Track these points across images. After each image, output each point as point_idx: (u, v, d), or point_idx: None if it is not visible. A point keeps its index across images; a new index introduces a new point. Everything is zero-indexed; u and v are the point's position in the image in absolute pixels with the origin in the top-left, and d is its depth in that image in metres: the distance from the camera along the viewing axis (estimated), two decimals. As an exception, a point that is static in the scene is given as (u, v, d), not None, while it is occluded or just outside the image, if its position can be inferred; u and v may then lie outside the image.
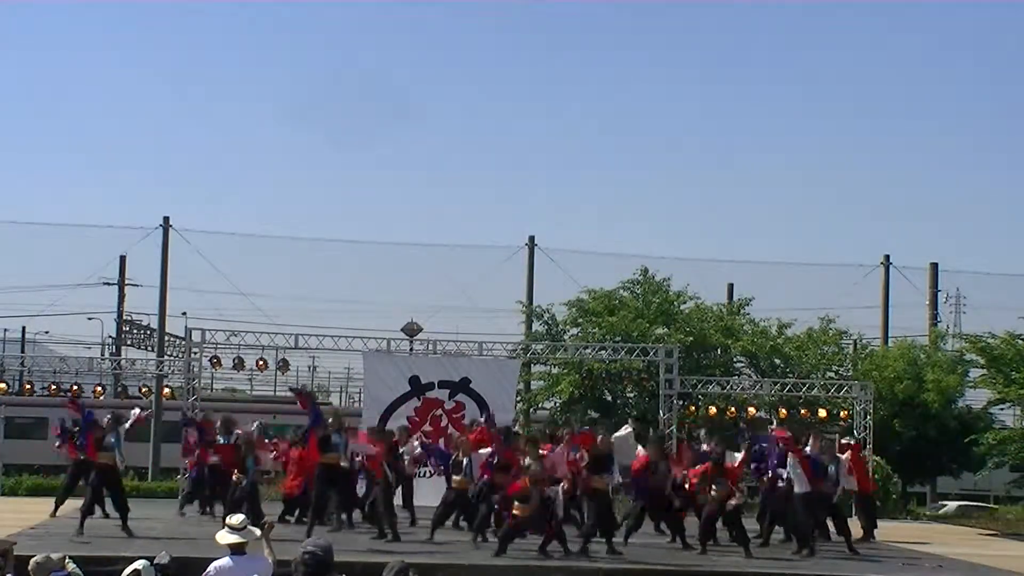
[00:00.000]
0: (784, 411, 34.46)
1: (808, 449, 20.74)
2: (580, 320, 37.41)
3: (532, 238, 41.05)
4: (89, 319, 58.24)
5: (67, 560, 10.91)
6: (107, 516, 23.38)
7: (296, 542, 9.27)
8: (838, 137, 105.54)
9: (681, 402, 31.98)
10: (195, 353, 30.26)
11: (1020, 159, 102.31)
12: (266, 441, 24.33)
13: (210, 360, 30.51)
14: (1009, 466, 38.12)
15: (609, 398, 37.18)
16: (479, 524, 19.80)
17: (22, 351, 54.07)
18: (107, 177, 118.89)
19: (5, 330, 62.60)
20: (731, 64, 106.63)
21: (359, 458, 21.49)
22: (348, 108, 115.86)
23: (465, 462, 20.35)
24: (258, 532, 10.40)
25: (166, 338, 41.70)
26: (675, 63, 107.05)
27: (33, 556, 10.91)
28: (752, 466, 21.92)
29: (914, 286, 43.35)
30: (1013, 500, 42.90)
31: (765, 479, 21.86)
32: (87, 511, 21.25)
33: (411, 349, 31.88)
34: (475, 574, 17.00)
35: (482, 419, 24.47)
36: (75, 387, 38.36)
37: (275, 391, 62.45)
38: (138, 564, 10.60)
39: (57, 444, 25.88)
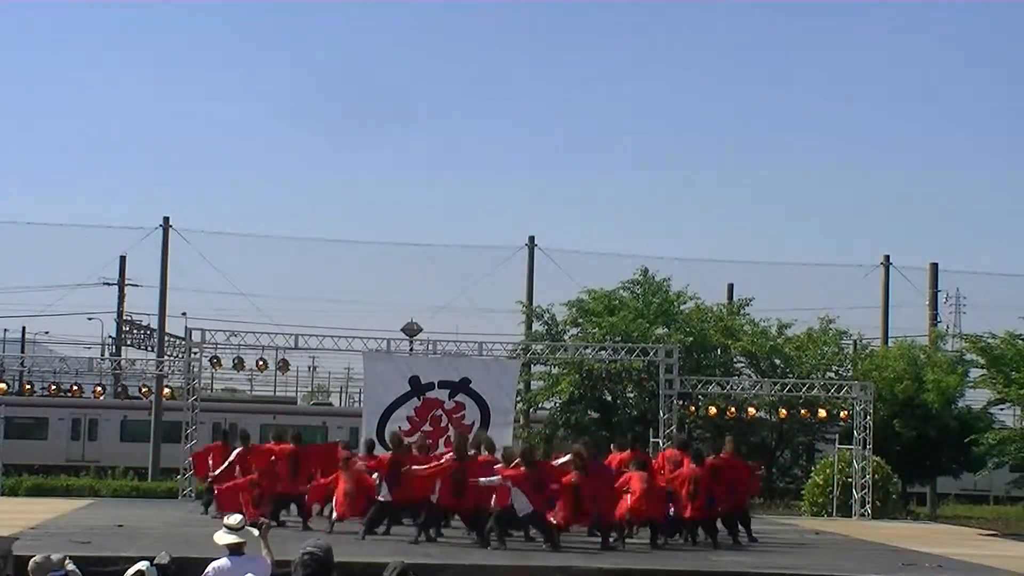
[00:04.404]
0: (784, 411, 34.50)
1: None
2: (580, 320, 37.38)
3: (532, 238, 41.04)
4: (89, 319, 58.25)
5: (67, 560, 10.91)
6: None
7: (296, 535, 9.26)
8: (838, 137, 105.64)
9: (681, 402, 31.98)
10: (195, 353, 30.28)
11: (1020, 159, 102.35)
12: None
13: (210, 360, 30.52)
14: (1009, 466, 38.12)
15: (609, 398, 37.17)
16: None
17: (22, 351, 54.08)
18: (107, 177, 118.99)
19: (5, 330, 62.67)
20: (732, 65, 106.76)
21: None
22: (348, 108, 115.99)
23: None
24: (256, 532, 10.40)
25: (166, 338, 41.66)
26: (676, 63, 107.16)
27: (33, 556, 10.91)
28: None
29: (914, 286, 43.32)
30: (1013, 500, 42.89)
31: None
32: None
33: (411, 349, 31.89)
34: (475, 574, 17.01)
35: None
36: (75, 387, 38.52)
37: (275, 391, 62.49)
38: (141, 565, 10.60)
39: None
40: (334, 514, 21.22)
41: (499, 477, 19.30)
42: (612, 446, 23.71)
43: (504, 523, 19.40)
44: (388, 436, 23.60)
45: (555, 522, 19.45)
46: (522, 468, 19.23)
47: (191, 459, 27.44)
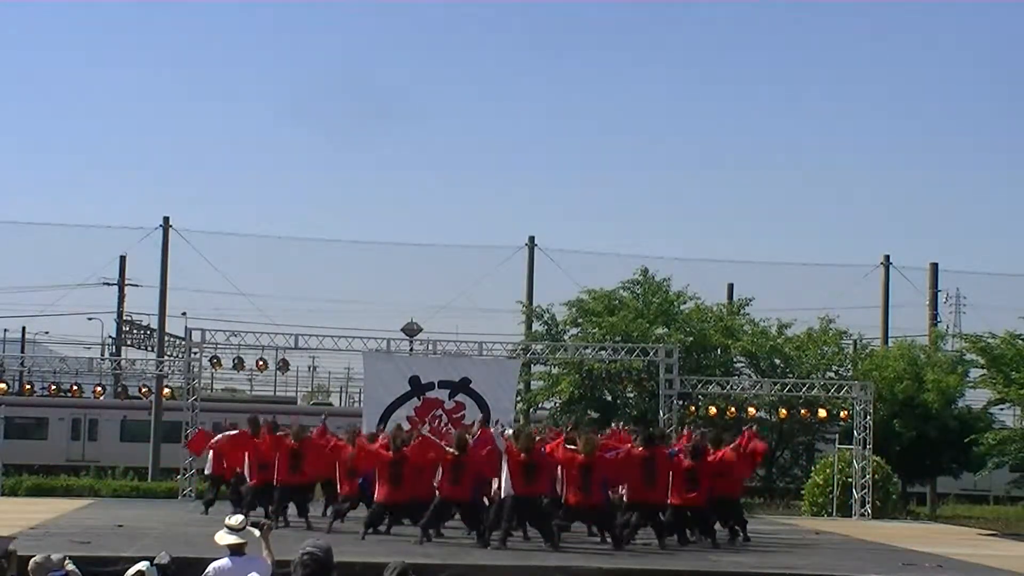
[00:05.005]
0: (784, 411, 34.49)
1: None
2: (580, 320, 37.41)
3: (532, 238, 41.04)
4: (89, 319, 58.20)
5: (67, 560, 10.90)
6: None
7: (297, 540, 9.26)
8: (838, 137, 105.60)
9: (681, 402, 32.00)
10: (195, 353, 30.30)
11: (1020, 159, 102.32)
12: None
13: (210, 360, 30.53)
14: (1009, 466, 38.11)
15: (609, 398, 37.19)
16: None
17: (22, 351, 54.04)
18: (107, 177, 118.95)
19: (5, 330, 62.62)
20: (731, 64, 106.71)
21: None
22: (348, 108, 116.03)
23: None
24: (257, 533, 10.39)
25: (166, 338, 41.66)
26: (675, 63, 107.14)
27: (33, 556, 10.90)
28: None
29: (914, 286, 43.32)
30: (1013, 500, 42.88)
31: None
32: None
33: (411, 349, 31.91)
34: (475, 574, 17.01)
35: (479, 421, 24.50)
36: (75, 387, 38.53)
37: (275, 391, 62.47)
38: (141, 566, 10.58)
39: None
40: (335, 510, 21.38)
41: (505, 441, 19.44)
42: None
43: (503, 520, 19.36)
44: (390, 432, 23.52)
45: (568, 504, 19.49)
46: (521, 454, 19.21)
47: (193, 435, 27.35)
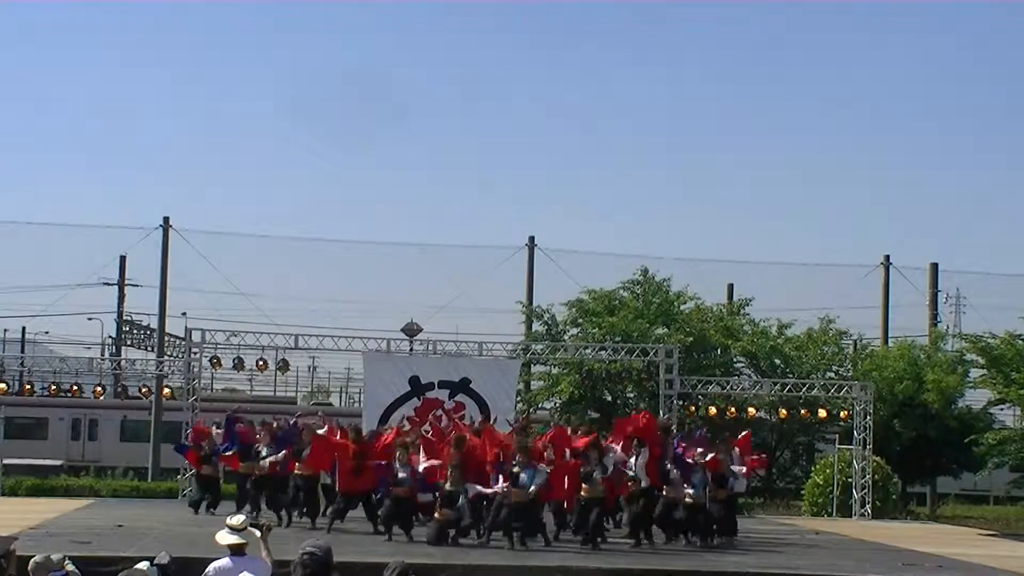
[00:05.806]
0: (784, 411, 34.49)
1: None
2: (580, 320, 37.38)
3: (532, 238, 41.04)
4: (89, 319, 58.17)
5: (66, 560, 10.90)
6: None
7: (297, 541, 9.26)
8: (838, 137, 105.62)
9: (681, 402, 32.00)
10: (195, 353, 30.29)
11: (1020, 159, 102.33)
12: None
13: (210, 360, 30.53)
14: (1009, 466, 38.11)
15: (609, 398, 37.17)
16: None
17: (22, 351, 54.01)
18: (107, 177, 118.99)
19: (5, 330, 62.60)
20: (731, 64, 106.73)
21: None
22: (348, 108, 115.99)
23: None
24: (258, 533, 10.39)
25: (166, 338, 41.64)
26: (675, 63, 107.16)
27: (33, 556, 10.90)
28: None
29: (914, 286, 43.33)
30: (1013, 500, 42.89)
31: None
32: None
33: (411, 349, 31.92)
34: (475, 574, 17.02)
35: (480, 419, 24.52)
36: (75, 387, 38.50)
37: (275, 391, 62.45)
38: (141, 566, 10.57)
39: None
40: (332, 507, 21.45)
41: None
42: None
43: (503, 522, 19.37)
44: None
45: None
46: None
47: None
